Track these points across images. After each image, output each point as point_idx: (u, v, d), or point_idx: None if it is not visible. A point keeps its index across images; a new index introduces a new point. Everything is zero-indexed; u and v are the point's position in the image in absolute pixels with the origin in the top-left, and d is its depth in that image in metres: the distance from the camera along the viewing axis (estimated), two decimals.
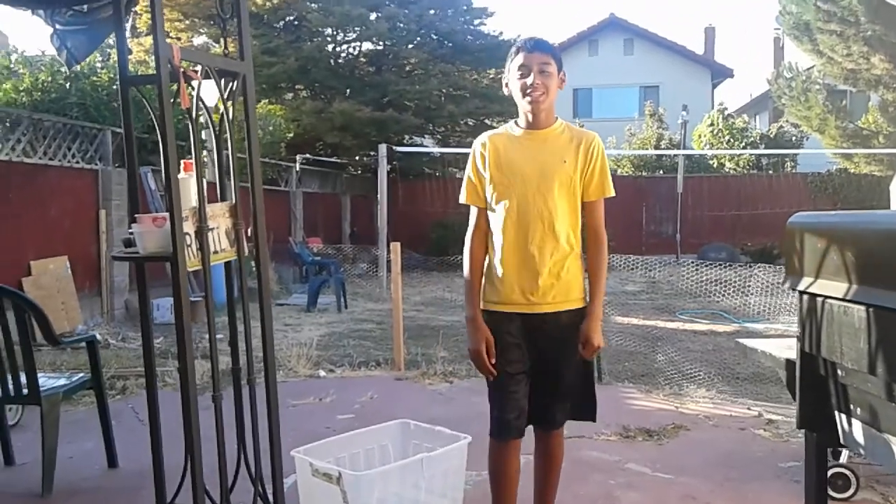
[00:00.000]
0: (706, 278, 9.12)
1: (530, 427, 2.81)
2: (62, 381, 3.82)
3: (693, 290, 9.67)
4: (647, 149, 22.00)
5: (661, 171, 21.23)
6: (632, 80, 27.46)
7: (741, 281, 8.54)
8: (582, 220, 2.70)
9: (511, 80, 2.68)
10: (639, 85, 27.60)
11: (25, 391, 3.54)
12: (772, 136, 21.74)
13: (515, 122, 2.74)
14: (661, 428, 4.56)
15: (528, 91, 2.60)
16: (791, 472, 3.76)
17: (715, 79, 28.71)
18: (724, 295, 8.65)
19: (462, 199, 2.77)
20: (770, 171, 20.91)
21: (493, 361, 2.65)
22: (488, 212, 2.71)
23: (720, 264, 8.74)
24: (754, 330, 8.55)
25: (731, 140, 21.44)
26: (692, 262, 9.74)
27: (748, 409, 5.06)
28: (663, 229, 19.26)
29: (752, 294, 8.52)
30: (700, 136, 22.42)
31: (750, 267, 8.68)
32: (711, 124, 22.08)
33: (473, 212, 2.75)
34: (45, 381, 3.75)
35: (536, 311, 2.64)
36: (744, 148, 20.93)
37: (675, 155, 19.95)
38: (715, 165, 21.85)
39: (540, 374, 2.70)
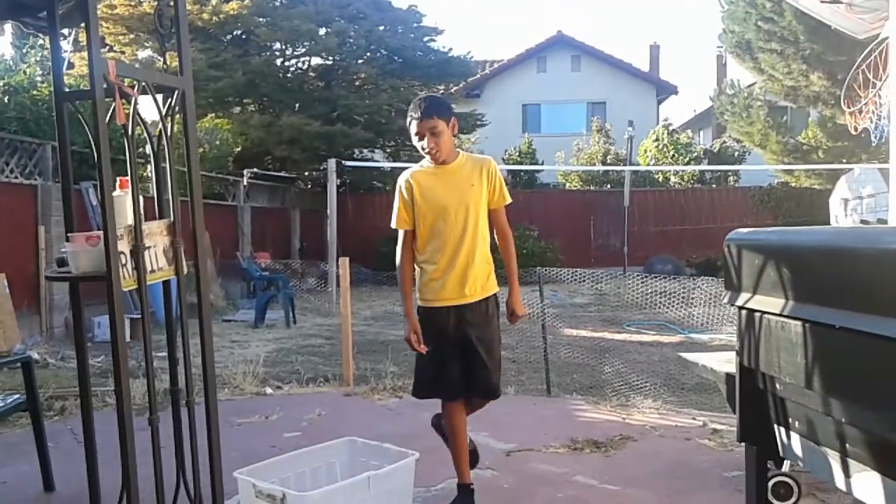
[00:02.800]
0: (652, 290, 9.24)
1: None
2: None
3: (640, 301, 9.79)
4: (594, 164, 22.29)
5: (609, 186, 21.52)
6: (579, 96, 27.77)
7: (686, 292, 8.68)
8: (492, 224, 3.47)
9: (413, 139, 3.35)
10: (586, 101, 27.91)
11: None
12: (715, 151, 22.26)
13: (428, 161, 3.39)
14: (609, 439, 4.59)
15: (426, 151, 3.31)
16: (735, 481, 3.81)
17: (660, 95, 29.22)
18: (669, 306, 8.77)
19: (393, 224, 3.46)
20: (713, 185, 21.38)
21: (424, 343, 3.37)
22: (418, 231, 3.41)
23: (666, 276, 8.87)
24: (699, 340, 8.68)
25: (676, 155, 21.85)
26: (639, 275, 9.87)
27: (693, 419, 5.13)
28: (611, 242, 19.49)
29: (696, 305, 8.67)
30: (646, 151, 22.81)
31: (694, 279, 8.81)
32: (657, 139, 22.50)
33: (401, 234, 3.46)
34: None
35: (465, 302, 3.37)
36: (688, 163, 21.36)
37: (621, 170, 20.24)
38: (660, 180, 22.25)
39: (470, 352, 3.37)
